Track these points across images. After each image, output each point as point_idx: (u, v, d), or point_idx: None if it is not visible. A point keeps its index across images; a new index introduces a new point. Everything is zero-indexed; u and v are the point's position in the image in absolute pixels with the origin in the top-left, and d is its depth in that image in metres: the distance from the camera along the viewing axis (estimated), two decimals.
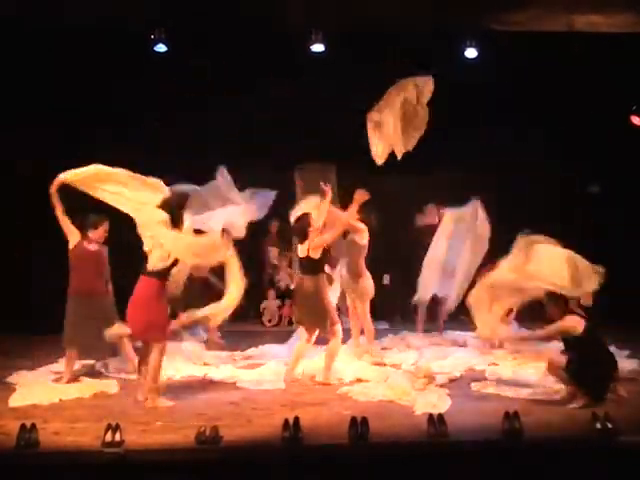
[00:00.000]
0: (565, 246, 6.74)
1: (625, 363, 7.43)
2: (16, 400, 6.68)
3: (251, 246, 9.65)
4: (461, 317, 9.94)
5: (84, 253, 7.37)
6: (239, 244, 8.80)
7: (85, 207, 7.35)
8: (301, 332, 7.70)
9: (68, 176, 6.91)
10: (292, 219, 7.60)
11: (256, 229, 8.88)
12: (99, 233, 7.45)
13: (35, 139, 9.42)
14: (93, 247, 7.45)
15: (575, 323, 6.55)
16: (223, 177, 7.45)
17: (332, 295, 7.96)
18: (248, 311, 10.13)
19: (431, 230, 9.05)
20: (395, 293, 9.83)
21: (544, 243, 6.81)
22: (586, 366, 6.45)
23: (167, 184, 7.21)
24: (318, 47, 8.69)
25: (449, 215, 8.76)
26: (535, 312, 8.15)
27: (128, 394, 6.90)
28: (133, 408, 6.48)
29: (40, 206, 9.67)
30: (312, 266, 7.32)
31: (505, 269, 6.81)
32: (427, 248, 8.83)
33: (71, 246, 7.38)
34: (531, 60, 9.28)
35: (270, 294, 10.70)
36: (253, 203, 7.50)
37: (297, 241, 7.54)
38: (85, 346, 7.31)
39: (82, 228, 7.40)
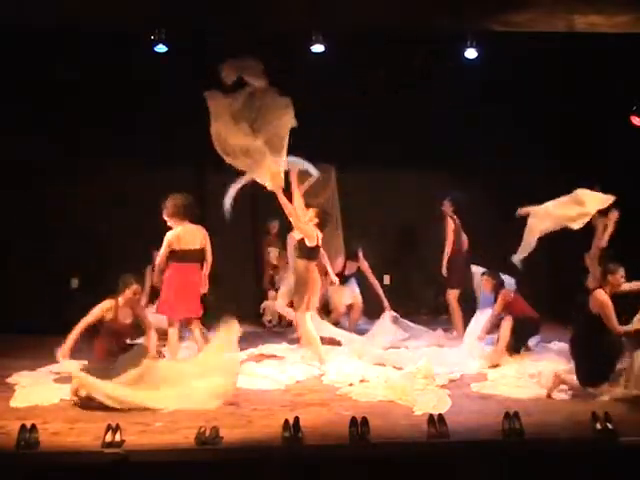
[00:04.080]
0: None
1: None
2: (16, 400, 6.68)
3: (251, 246, 9.67)
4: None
5: (115, 326, 6.95)
6: (240, 244, 8.87)
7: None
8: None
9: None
10: None
11: (256, 229, 8.93)
12: (127, 296, 6.98)
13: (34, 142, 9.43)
14: (127, 319, 7.00)
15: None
16: None
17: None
18: (249, 311, 10.12)
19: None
20: (396, 294, 9.81)
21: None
22: None
23: None
24: (318, 47, 8.68)
25: None
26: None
27: None
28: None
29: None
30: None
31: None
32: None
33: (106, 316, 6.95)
34: (531, 60, 9.28)
35: (270, 294, 10.66)
36: None
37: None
38: None
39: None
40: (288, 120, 7.33)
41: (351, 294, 9.33)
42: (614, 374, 6.76)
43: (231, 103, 7.32)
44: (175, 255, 7.65)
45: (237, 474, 5.35)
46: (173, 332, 7.72)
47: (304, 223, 7.79)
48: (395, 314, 9.23)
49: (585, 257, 8.64)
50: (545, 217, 8.06)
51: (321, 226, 7.92)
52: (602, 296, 6.75)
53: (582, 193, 8.01)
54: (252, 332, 9.62)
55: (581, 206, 7.92)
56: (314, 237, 7.78)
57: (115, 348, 6.93)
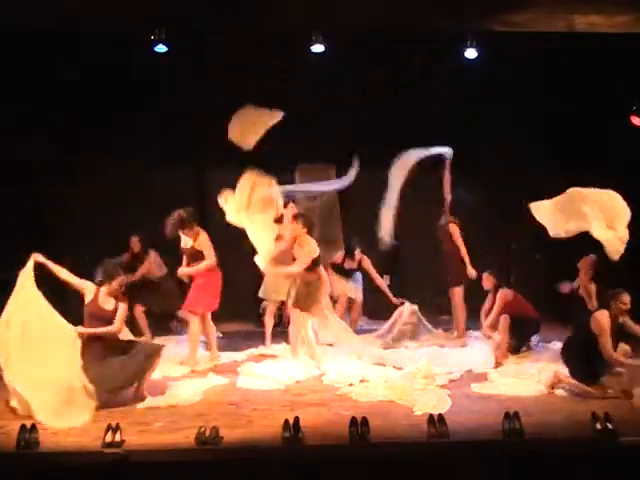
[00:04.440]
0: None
1: None
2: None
3: (251, 247, 9.64)
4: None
5: (94, 310, 6.77)
6: (240, 245, 8.83)
7: None
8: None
9: None
10: None
11: None
12: (113, 287, 6.82)
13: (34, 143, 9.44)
14: (108, 306, 6.79)
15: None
16: None
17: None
18: (249, 311, 10.11)
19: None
20: (395, 294, 9.79)
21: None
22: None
23: None
24: (318, 47, 8.68)
25: None
26: None
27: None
28: (133, 408, 6.48)
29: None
30: None
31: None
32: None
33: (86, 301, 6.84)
34: (531, 60, 9.28)
35: None
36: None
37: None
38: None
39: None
40: (274, 210, 8.12)
41: (353, 289, 9.29)
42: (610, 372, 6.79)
43: (236, 196, 7.96)
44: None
45: (237, 474, 5.36)
46: (195, 325, 7.94)
47: (305, 244, 7.86)
48: (415, 308, 9.15)
49: (582, 258, 8.57)
50: (576, 209, 7.45)
51: (311, 231, 8.06)
52: (603, 319, 6.66)
53: (618, 213, 7.33)
54: (252, 332, 9.62)
55: (614, 231, 7.29)
56: (315, 249, 7.85)
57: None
